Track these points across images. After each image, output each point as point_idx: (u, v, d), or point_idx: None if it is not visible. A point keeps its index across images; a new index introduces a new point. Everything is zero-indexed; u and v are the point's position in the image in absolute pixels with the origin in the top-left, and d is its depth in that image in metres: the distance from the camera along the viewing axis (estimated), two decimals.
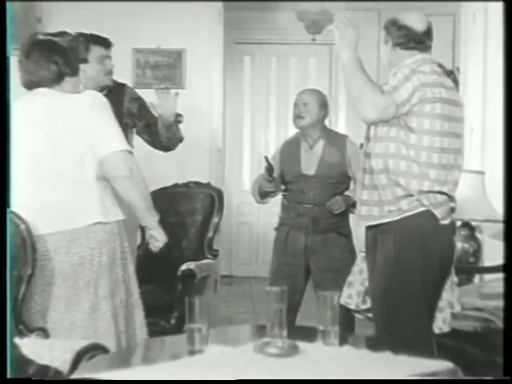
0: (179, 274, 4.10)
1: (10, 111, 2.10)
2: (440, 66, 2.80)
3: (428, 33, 2.82)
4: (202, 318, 1.91)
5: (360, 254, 3.29)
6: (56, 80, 2.71)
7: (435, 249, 2.71)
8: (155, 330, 3.94)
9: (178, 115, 3.58)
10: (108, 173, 2.66)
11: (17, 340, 2.26)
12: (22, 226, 2.40)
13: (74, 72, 2.77)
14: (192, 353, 1.89)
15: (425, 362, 1.78)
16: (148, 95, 4.96)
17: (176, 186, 4.62)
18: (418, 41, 2.77)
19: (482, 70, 4.76)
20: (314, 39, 6.62)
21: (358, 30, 2.73)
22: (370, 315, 3.20)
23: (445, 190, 2.75)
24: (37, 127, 2.65)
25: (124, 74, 5.08)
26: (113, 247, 2.68)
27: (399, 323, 2.66)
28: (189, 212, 4.57)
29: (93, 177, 2.66)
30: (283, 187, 3.83)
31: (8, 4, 2.15)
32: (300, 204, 3.73)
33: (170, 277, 4.14)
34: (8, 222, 2.34)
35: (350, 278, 3.24)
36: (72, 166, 2.65)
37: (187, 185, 4.69)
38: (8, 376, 1.93)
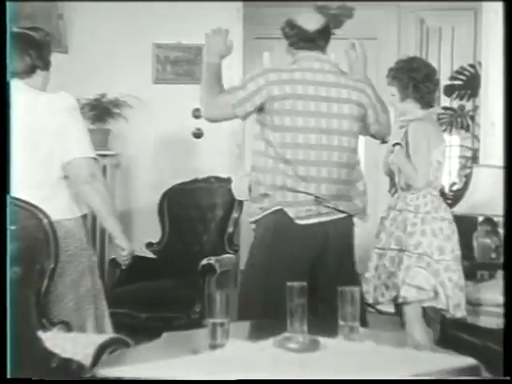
0: (199, 268, 4.12)
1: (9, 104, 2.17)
2: (333, 63, 2.90)
3: (321, 32, 2.89)
4: (223, 312, 1.91)
5: (375, 251, 3.31)
6: (28, 72, 2.79)
7: (285, 248, 2.72)
8: (176, 325, 3.98)
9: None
10: (71, 176, 2.78)
11: (40, 333, 2.29)
12: (45, 221, 2.42)
13: (46, 66, 2.86)
14: (213, 347, 1.89)
15: (448, 358, 1.77)
16: (168, 90, 5.02)
17: (196, 181, 4.64)
18: (309, 40, 2.85)
19: (504, 64, 4.71)
20: (333, 34, 6.56)
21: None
22: (384, 309, 3.25)
23: (310, 189, 2.72)
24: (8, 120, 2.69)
25: (144, 70, 5.13)
26: (79, 239, 2.76)
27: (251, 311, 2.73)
28: (209, 207, 4.58)
29: (59, 176, 2.76)
30: None
31: (8, 4, 2.18)
32: None
33: (191, 272, 4.16)
34: (28, 216, 2.37)
35: (366, 275, 3.27)
36: (41, 163, 2.75)
37: (207, 180, 4.71)
38: (8, 376, 1.94)
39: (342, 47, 7.36)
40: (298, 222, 2.71)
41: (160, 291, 4.25)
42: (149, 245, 4.66)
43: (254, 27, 6.80)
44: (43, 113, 2.74)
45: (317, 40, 2.88)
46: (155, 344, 2.04)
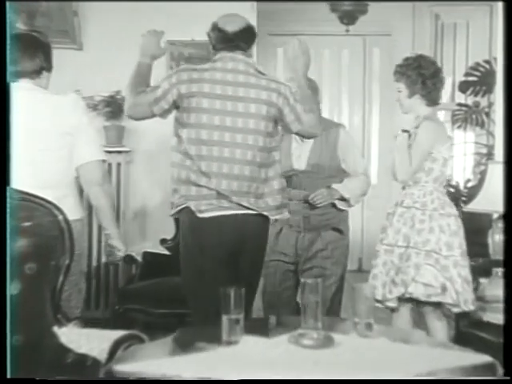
0: None
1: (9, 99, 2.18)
2: (248, 63, 2.92)
3: (241, 33, 2.94)
4: (238, 308, 1.92)
5: (382, 247, 3.32)
6: (37, 73, 2.88)
7: (195, 243, 2.83)
8: (190, 321, 3.98)
9: None
10: (83, 179, 2.88)
11: (55, 329, 2.31)
12: (60, 217, 2.42)
13: (50, 68, 2.95)
14: (228, 343, 1.90)
15: (463, 355, 1.76)
16: None
17: None
18: (228, 41, 2.92)
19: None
20: (347, 30, 6.56)
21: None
22: (393, 305, 3.27)
23: (211, 184, 2.80)
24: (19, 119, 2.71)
25: (158, 67, 5.11)
26: (84, 240, 3.01)
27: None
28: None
29: (72, 177, 2.87)
30: None
31: (8, 4, 2.21)
32: (291, 201, 3.40)
33: None
34: (43, 213, 2.39)
35: (374, 271, 3.30)
36: (53, 163, 2.82)
37: None
38: (8, 376, 1.96)
39: (356, 43, 7.34)
40: (199, 215, 2.79)
41: (174, 288, 4.23)
42: (163, 241, 4.66)
43: (268, 24, 6.79)
44: (53, 114, 2.81)
45: (236, 41, 2.93)
46: (170, 340, 2.05)
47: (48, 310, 2.35)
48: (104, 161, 2.90)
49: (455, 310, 3.27)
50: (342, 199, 3.49)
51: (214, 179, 2.80)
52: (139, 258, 4.41)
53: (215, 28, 2.98)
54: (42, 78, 2.92)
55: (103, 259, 4.81)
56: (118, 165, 4.85)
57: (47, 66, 2.93)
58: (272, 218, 2.92)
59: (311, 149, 3.49)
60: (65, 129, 2.81)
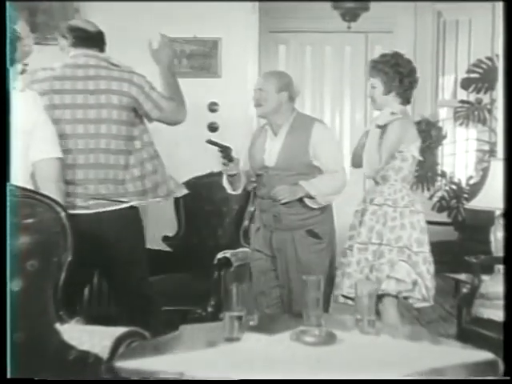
0: (215, 262, 4.12)
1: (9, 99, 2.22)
2: (100, 57, 3.12)
3: (99, 33, 3.22)
4: (240, 305, 1.91)
5: (355, 245, 3.31)
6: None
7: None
8: (192, 318, 3.98)
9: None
10: (38, 175, 2.85)
11: (57, 326, 2.31)
12: (62, 214, 2.42)
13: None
14: (229, 340, 1.90)
15: (466, 352, 1.76)
16: (184, 84, 5.02)
17: (211, 174, 4.63)
18: (87, 39, 3.13)
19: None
20: (349, 27, 6.53)
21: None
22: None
23: (78, 176, 2.97)
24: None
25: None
26: None
27: None
28: (224, 200, 4.58)
29: (30, 173, 2.83)
30: (253, 179, 3.50)
31: (8, 4, 2.24)
32: (262, 199, 3.39)
33: (207, 265, 4.16)
34: (45, 209, 2.38)
35: (348, 269, 3.30)
36: (18, 159, 2.77)
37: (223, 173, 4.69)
38: (8, 376, 1.96)
39: (358, 41, 7.32)
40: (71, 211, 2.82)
41: (176, 284, 4.25)
42: (165, 238, 4.66)
43: (270, 21, 6.78)
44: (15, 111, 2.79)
45: (95, 39, 3.16)
46: (172, 337, 2.04)
47: (50, 306, 2.35)
48: (60, 158, 2.87)
49: (420, 304, 3.32)
50: (310, 197, 3.29)
51: (73, 170, 2.95)
52: None
53: (75, 28, 3.16)
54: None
55: None
56: None
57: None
58: (134, 204, 3.06)
59: (282, 145, 3.34)
60: (27, 126, 2.78)
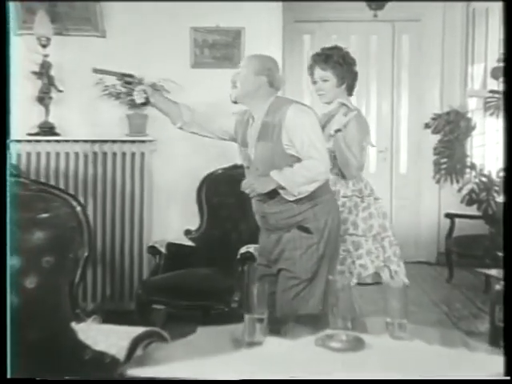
0: (238, 257, 4.03)
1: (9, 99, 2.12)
2: None
3: None
4: (261, 307, 1.80)
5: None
6: None
7: None
8: (215, 314, 3.91)
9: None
10: None
11: (73, 325, 2.23)
12: (78, 208, 2.34)
13: None
14: (250, 345, 1.79)
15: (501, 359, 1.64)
16: (206, 75, 4.93)
17: (235, 167, 4.53)
18: None
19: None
20: (375, 15, 6.43)
21: None
22: None
23: None
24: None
25: (182, 54, 5.04)
26: None
27: None
28: (247, 194, 4.47)
29: None
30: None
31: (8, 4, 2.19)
32: (252, 198, 3.05)
33: (229, 260, 4.08)
34: (61, 204, 2.30)
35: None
36: None
37: None
38: (8, 376, 1.92)
39: (384, 30, 7.17)
40: None
41: (198, 280, 4.17)
42: (187, 232, 4.59)
43: (295, 10, 6.66)
44: None
45: None
46: (191, 339, 1.94)
47: (66, 304, 2.27)
48: None
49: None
50: (283, 188, 2.91)
51: None
52: (163, 250, 4.33)
53: None
54: None
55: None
56: (142, 154, 4.77)
57: None
58: None
59: (258, 133, 2.98)
60: None
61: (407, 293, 1.82)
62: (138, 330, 2.18)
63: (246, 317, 1.81)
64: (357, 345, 1.70)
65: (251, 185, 2.87)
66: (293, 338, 1.82)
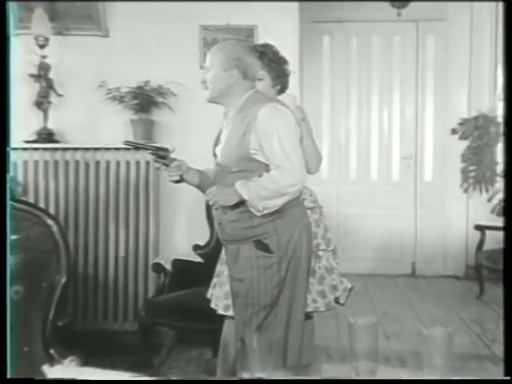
0: None
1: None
2: None
3: None
4: (261, 363, 1.44)
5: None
6: None
7: None
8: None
9: None
10: None
11: (45, 368, 1.88)
12: (54, 228, 2.00)
13: None
14: None
15: None
16: None
17: None
18: None
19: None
20: (399, 14, 6.25)
21: None
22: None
23: None
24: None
25: (190, 54, 4.76)
26: None
27: None
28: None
29: None
30: None
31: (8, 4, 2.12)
32: (212, 205, 2.70)
33: None
34: (32, 222, 1.97)
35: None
36: None
37: None
38: (8, 376, 1.81)
39: (408, 29, 6.88)
40: None
41: (207, 300, 3.83)
42: (196, 247, 4.28)
43: (312, 10, 6.40)
44: None
45: None
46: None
47: (37, 344, 1.92)
48: None
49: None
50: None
51: None
52: (168, 267, 4.03)
53: None
54: None
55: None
56: (147, 163, 4.46)
57: None
58: None
59: (227, 134, 2.65)
60: None
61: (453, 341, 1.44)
62: (123, 374, 1.83)
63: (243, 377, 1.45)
64: None
65: (213, 196, 2.55)
66: None
